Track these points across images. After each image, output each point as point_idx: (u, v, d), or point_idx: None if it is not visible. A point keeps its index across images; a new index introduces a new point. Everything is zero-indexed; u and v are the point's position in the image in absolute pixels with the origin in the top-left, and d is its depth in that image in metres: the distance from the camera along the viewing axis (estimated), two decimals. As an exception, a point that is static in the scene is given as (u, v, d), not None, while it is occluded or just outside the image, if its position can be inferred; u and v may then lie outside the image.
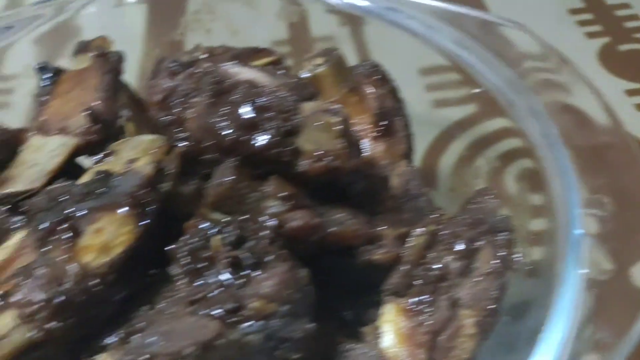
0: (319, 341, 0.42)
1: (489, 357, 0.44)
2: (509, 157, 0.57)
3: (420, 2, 0.61)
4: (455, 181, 0.61)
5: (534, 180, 0.49)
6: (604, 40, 0.88)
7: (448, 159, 0.67)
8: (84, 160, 0.53)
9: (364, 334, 0.44)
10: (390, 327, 0.42)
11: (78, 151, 0.50)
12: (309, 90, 0.43)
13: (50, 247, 0.39)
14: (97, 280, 0.37)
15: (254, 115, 0.41)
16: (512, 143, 0.56)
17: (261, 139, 0.41)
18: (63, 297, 0.35)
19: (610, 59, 0.84)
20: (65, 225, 0.40)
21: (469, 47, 0.57)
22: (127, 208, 0.39)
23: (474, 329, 0.42)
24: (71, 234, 0.38)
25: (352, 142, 0.41)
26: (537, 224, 0.49)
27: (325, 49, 0.54)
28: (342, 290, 0.48)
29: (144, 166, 0.43)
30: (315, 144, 0.42)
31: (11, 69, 0.78)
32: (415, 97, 0.71)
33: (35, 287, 0.37)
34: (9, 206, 0.49)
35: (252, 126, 0.41)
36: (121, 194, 0.40)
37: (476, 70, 0.57)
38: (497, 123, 0.59)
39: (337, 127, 0.40)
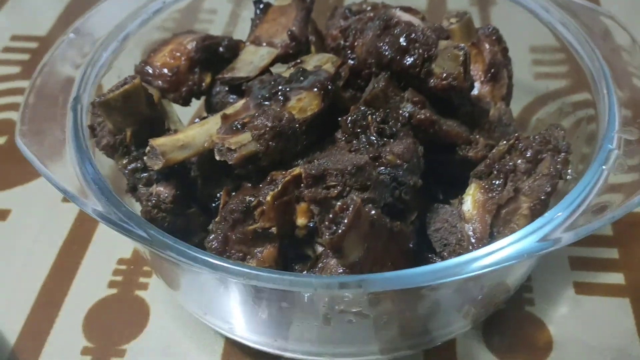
0: (420, 201, 0.64)
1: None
2: (583, 119, 0.74)
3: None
4: (539, 126, 0.79)
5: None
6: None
7: (539, 116, 0.85)
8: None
9: (452, 203, 0.65)
10: (470, 198, 0.62)
11: (278, 58, 0.74)
12: (445, 33, 0.64)
13: (271, 103, 0.62)
14: (297, 125, 0.60)
15: (406, 44, 0.63)
16: (588, 112, 0.73)
17: (409, 60, 0.63)
18: (280, 128, 0.58)
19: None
20: (280, 93, 0.63)
21: (575, 32, 0.74)
22: (318, 89, 0.62)
23: (528, 211, 0.61)
24: (283, 98, 0.62)
25: (467, 71, 0.62)
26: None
27: (459, 11, 0.74)
28: (441, 181, 0.69)
29: (329, 68, 0.65)
30: (443, 69, 0.62)
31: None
32: (523, 69, 0.90)
33: (266, 119, 0.60)
34: (227, 88, 0.74)
35: (404, 51, 0.63)
36: (315, 81, 0.63)
37: (577, 53, 0.73)
38: (581, 96, 0.75)
39: (460, 58, 0.61)
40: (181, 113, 0.77)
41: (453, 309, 0.62)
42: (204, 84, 0.73)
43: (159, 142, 0.59)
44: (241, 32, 0.88)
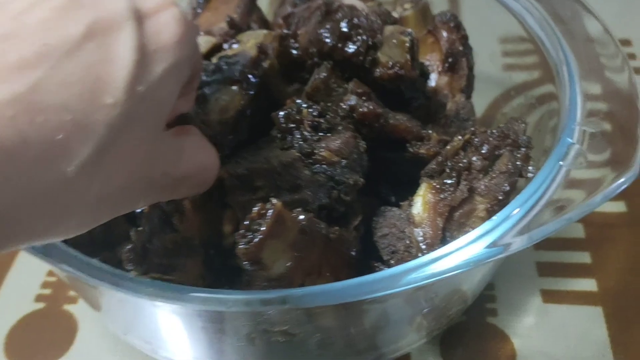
0: (366, 205, 0.58)
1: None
2: (548, 114, 0.68)
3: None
4: (501, 120, 0.74)
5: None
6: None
7: (505, 111, 0.79)
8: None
9: (401, 205, 0.58)
10: (420, 199, 0.56)
11: (216, 47, 0.68)
12: (392, 17, 0.58)
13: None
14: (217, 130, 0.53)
15: (348, 30, 0.57)
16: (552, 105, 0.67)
17: (351, 48, 0.57)
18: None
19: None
20: (199, 92, 0.57)
21: (541, 21, 0.68)
22: (237, 82, 0.56)
23: (484, 213, 0.55)
24: (201, 100, 0.55)
25: (415, 58, 0.56)
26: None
27: (415, -3, 0.68)
28: (392, 182, 0.63)
29: (251, 48, 0.59)
30: (389, 57, 0.56)
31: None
32: (492, 61, 0.84)
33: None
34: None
35: (346, 38, 0.57)
36: (234, 71, 0.56)
37: (542, 42, 0.68)
38: (546, 88, 0.69)
39: (406, 44, 0.55)
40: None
41: (400, 322, 0.56)
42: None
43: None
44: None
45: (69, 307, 0.68)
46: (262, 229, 0.42)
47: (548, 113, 0.66)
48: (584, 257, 0.68)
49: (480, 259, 0.43)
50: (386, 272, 0.43)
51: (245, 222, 0.43)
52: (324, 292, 0.42)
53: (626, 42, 0.95)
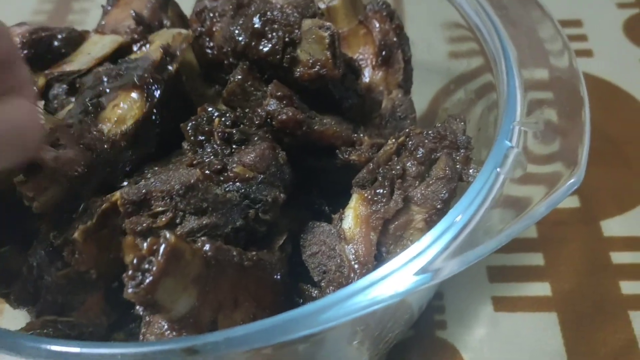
0: (293, 220, 0.52)
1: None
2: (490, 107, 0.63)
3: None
4: (442, 115, 0.68)
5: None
6: (634, 11, 0.90)
7: (449, 103, 0.74)
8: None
9: (333, 219, 0.53)
10: (351, 212, 0.50)
11: (124, 47, 0.61)
12: (311, 9, 0.51)
13: (81, 115, 0.49)
14: (107, 146, 0.47)
15: (261, 25, 0.50)
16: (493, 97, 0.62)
17: (266, 46, 0.50)
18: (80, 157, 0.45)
19: (635, 29, 0.87)
20: (94, 101, 0.50)
21: (479, 10, 0.62)
22: (137, 88, 0.49)
23: (423, 224, 0.50)
24: (92, 107, 0.49)
25: (337, 55, 0.50)
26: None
27: (342, -15, 0.62)
28: (324, 190, 0.57)
29: (154, 51, 0.52)
30: (310, 55, 0.50)
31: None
32: (437, 49, 0.78)
33: (69, 142, 0.47)
34: (67, 88, 0.61)
35: (259, 34, 0.50)
36: (134, 75, 0.50)
37: (481, 33, 0.62)
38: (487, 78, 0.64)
39: (327, 40, 0.49)
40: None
41: (338, 347, 0.51)
42: (35, 88, 0.59)
43: None
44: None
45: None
46: (153, 268, 0.36)
47: (488, 107, 0.61)
48: (537, 259, 0.64)
49: (407, 290, 0.38)
50: (302, 310, 0.37)
51: (133, 261, 0.36)
52: (228, 340, 0.36)
53: (577, 23, 0.90)
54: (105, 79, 0.52)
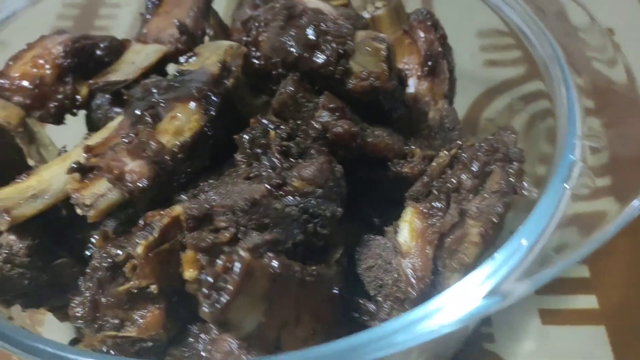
0: (347, 232, 0.52)
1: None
2: (539, 114, 0.63)
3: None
4: (489, 126, 0.68)
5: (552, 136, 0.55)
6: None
7: (490, 112, 0.73)
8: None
9: (386, 231, 0.52)
10: (407, 226, 0.50)
11: (168, 57, 0.60)
12: (363, 21, 0.51)
13: (139, 127, 0.48)
14: (168, 157, 0.46)
15: (315, 37, 0.50)
16: (543, 104, 0.61)
17: (319, 58, 0.50)
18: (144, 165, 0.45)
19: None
20: (150, 111, 0.49)
21: (524, 15, 0.62)
22: (195, 100, 0.48)
23: (478, 237, 0.49)
24: (151, 118, 0.48)
25: (392, 67, 0.49)
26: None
27: (387, -6, 0.62)
28: (374, 201, 0.56)
29: (212, 64, 0.52)
30: (363, 66, 0.50)
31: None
32: (469, 55, 0.78)
33: (121, 154, 0.46)
34: (111, 98, 0.60)
35: (313, 46, 0.50)
36: (192, 87, 0.49)
37: (526, 37, 0.62)
38: (535, 85, 0.64)
39: (383, 52, 0.48)
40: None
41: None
42: (79, 97, 0.59)
43: (1, 194, 0.46)
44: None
45: None
46: (229, 287, 0.36)
47: (540, 113, 0.61)
48: (583, 271, 0.63)
49: (477, 312, 0.37)
50: (374, 332, 0.36)
51: (208, 279, 0.36)
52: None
53: (609, 32, 0.90)
54: (154, 91, 0.52)
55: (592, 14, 0.61)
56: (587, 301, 0.61)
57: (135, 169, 0.45)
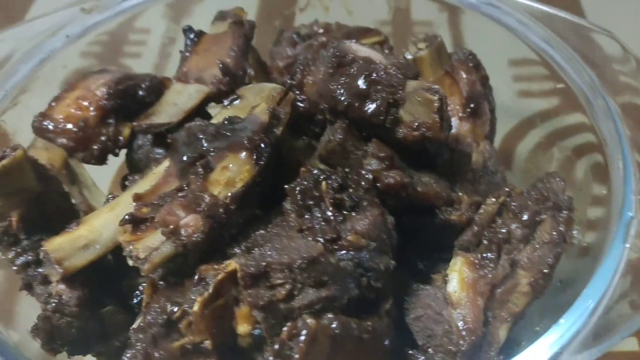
0: (395, 280, 0.51)
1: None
2: (581, 150, 0.63)
3: (516, 1, 0.68)
4: (529, 165, 0.67)
5: (600, 173, 0.55)
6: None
7: (525, 145, 0.73)
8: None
9: (434, 280, 0.52)
10: (457, 276, 0.49)
11: (210, 98, 0.60)
12: (414, 70, 0.51)
13: (191, 177, 0.48)
14: (222, 210, 0.46)
15: (366, 87, 0.50)
16: (585, 137, 0.61)
17: (370, 107, 0.50)
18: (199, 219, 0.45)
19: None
20: (201, 161, 0.49)
21: (557, 46, 0.63)
22: (246, 150, 0.48)
23: (528, 287, 0.49)
24: (202, 169, 0.48)
25: (445, 118, 0.49)
26: (595, 212, 0.55)
27: (429, 35, 0.62)
28: (419, 246, 0.56)
29: (261, 112, 0.51)
30: (414, 116, 0.50)
31: (144, 23, 0.89)
32: (502, 86, 0.78)
33: (176, 208, 0.46)
34: (153, 139, 0.60)
35: (364, 96, 0.50)
36: (243, 137, 0.49)
37: (561, 68, 0.63)
38: (574, 118, 0.64)
39: (435, 104, 0.48)
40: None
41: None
42: (121, 138, 0.59)
43: (53, 245, 0.46)
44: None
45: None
46: (295, 355, 0.35)
47: (573, 150, 0.61)
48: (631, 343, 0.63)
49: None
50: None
51: (275, 347, 0.36)
52: None
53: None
54: (201, 136, 0.51)
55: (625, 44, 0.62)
56: (629, 344, 0.60)
57: (190, 222, 0.45)
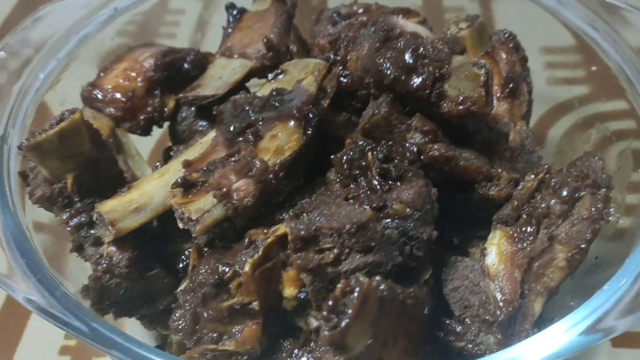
0: (432, 252, 0.53)
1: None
2: (620, 134, 0.63)
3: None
4: (564, 145, 0.68)
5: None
6: None
7: (557, 130, 0.74)
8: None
9: (471, 253, 0.53)
10: (495, 249, 0.51)
11: (253, 72, 0.61)
12: (460, 45, 0.52)
13: (241, 145, 0.50)
14: (272, 176, 0.47)
15: (413, 60, 0.51)
16: (624, 123, 0.62)
17: (416, 81, 0.51)
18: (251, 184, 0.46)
19: None
20: (251, 129, 0.51)
21: (597, 26, 0.63)
22: (295, 119, 0.49)
23: (565, 262, 0.50)
24: (253, 137, 0.49)
25: (489, 93, 0.50)
26: (632, 199, 0.56)
27: (470, 15, 0.62)
28: (455, 222, 0.57)
29: (309, 85, 0.53)
30: (459, 90, 0.51)
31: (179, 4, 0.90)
32: (534, 72, 0.79)
33: (229, 172, 0.48)
34: (196, 111, 0.62)
35: (411, 70, 0.51)
36: (292, 107, 0.50)
37: (602, 49, 0.63)
38: (612, 105, 0.65)
39: (482, 78, 0.49)
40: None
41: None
42: (166, 109, 0.60)
43: (107, 207, 0.47)
44: (213, 38, 0.75)
45: (97, 360, 0.62)
46: (348, 311, 0.37)
47: (607, 136, 0.62)
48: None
49: (580, 347, 0.38)
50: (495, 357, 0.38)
51: (329, 303, 0.37)
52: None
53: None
54: (247, 108, 0.53)
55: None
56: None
57: (241, 187, 0.46)
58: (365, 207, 0.46)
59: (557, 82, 0.79)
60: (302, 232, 0.44)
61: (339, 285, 0.38)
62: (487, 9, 0.90)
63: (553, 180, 0.52)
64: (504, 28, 0.63)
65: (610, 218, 0.51)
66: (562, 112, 0.75)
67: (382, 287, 0.41)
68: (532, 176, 0.53)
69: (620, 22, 0.64)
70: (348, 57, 0.58)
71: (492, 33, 0.64)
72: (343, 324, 0.37)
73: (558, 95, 0.77)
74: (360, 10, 0.68)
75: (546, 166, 0.53)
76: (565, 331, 0.40)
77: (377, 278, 0.42)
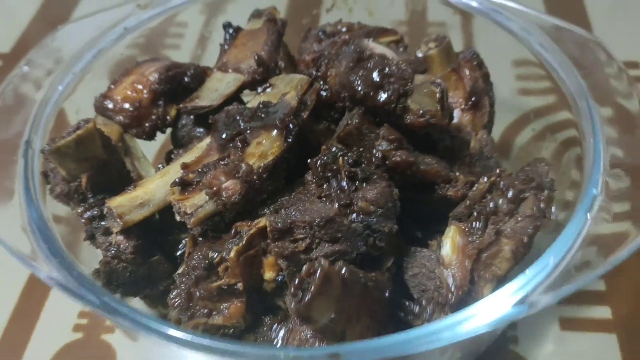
0: (396, 245, 0.61)
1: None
2: (567, 143, 0.71)
3: (521, 9, 0.76)
4: (522, 154, 0.76)
5: (580, 163, 0.63)
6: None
7: (523, 138, 0.82)
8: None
9: (430, 245, 0.61)
10: (449, 242, 0.58)
11: (245, 85, 0.70)
12: (422, 66, 0.60)
13: (230, 150, 0.58)
14: (256, 177, 0.55)
15: (380, 79, 0.59)
16: (571, 132, 0.69)
17: (382, 96, 0.59)
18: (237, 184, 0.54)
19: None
20: (239, 137, 0.59)
21: (552, 51, 0.71)
22: (278, 129, 0.58)
23: (510, 254, 0.58)
24: (241, 144, 0.58)
25: (445, 107, 0.58)
26: (571, 194, 0.63)
27: (439, 35, 0.70)
28: (418, 218, 0.65)
29: (291, 99, 0.61)
30: (420, 105, 0.59)
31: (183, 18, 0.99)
32: (505, 84, 0.86)
33: (219, 174, 0.56)
34: (195, 119, 0.70)
35: (378, 86, 0.59)
36: (275, 118, 0.58)
37: (554, 69, 0.71)
38: (563, 115, 0.72)
39: (437, 95, 0.57)
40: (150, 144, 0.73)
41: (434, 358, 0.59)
42: (168, 118, 0.69)
43: (116, 202, 0.55)
44: (213, 52, 0.84)
45: (106, 337, 0.71)
46: (311, 288, 0.45)
47: (562, 143, 0.69)
48: (599, 285, 0.71)
49: (507, 318, 0.46)
50: (424, 330, 0.46)
51: (295, 281, 0.45)
52: (375, 348, 0.45)
53: (634, 65, 0.97)
54: (238, 117, 0.61)
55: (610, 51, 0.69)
56: (602, 311, 0.69)
57: (230, 186, 0.54)
58: (335, 204, 0.55)
59: (523, 93, 0.87)
60: (279, 225, 0.52)
61: (304, 267, 0.46)
62: (467, 24, 0.98)
63: (502, 182, 0.60)
64: (470, 47, 0.71)
65: (552, 216, 0.59)
66: (526, 121, 0.83)
67: (343, 270, 0.49)
68: (485, 179, 0.61)
69: (581, 48, 0.72)
70: (328, 73, 0.66)
71: (459, 52, 0.72)
72: (307, 298, 0.45)
73: (524, 105, 0.85)
74: (344, 29, 0.76)
75: (498, 171, 0.61)
76: (497, 303, 0.47)
77: (340, 262, 0.50)
